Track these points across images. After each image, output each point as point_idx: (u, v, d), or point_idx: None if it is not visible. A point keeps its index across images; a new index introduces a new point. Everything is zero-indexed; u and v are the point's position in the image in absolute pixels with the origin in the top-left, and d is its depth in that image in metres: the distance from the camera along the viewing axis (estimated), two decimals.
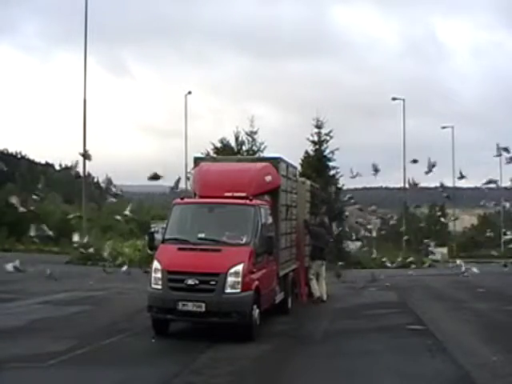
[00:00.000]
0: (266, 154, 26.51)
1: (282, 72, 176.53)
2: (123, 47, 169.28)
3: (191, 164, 14.27)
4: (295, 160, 13.99)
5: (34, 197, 26.38)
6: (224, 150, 28.32)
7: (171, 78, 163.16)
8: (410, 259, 28.14)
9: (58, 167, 75.43)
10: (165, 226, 10.77)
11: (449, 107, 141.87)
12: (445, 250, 44.74)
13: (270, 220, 11.23)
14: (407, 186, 30.21)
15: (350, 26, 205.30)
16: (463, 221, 69.58)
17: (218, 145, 29.60)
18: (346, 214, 32.01)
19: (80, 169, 35.11)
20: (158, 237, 10.68)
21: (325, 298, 14.77)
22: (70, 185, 59.62)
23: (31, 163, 69.01)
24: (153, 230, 15.91)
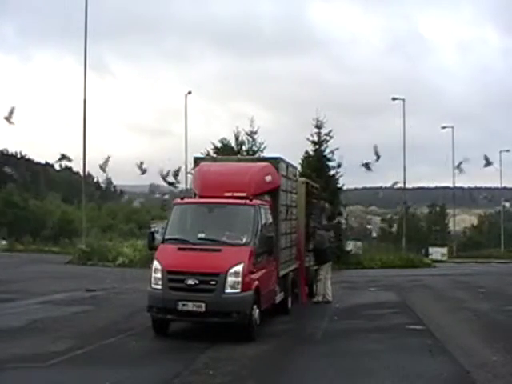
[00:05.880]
0: (266, 154, 26.48)
1: (265, 71, 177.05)
2: (103, 46, 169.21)
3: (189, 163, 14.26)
4: (291, 159, 13.97)
5: None
6: (224, 150, 28.28)
7: (153, 77, 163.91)
8: None
9: (57, 167, 75.53)
10: (165, 225, 10.77)
11: (439, 105, 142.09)
12: (445, 250, 44.74)
13: (270, 220, 11.21)
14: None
15: (331, 22, 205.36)
16: (463, 221, 69.61)
17: (218, 145, 29.57)
18: (346, 214, 32.09)
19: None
20: (158, 237, 10.68)
21: (330, 298, 14.77)
22: (70, 185, 59.74)
23: (31, 163, 69.09)
24: (153, 229, 15.91)
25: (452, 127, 45.23)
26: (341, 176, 30.34)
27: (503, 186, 54.71)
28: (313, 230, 15.47)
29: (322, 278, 14.80)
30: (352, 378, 7.56)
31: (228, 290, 9.31)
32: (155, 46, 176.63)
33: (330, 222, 19.41)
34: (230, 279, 9.33)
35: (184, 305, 9.35)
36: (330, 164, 30.16)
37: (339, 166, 30.26)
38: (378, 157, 31.94)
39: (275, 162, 12.08)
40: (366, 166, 33.43)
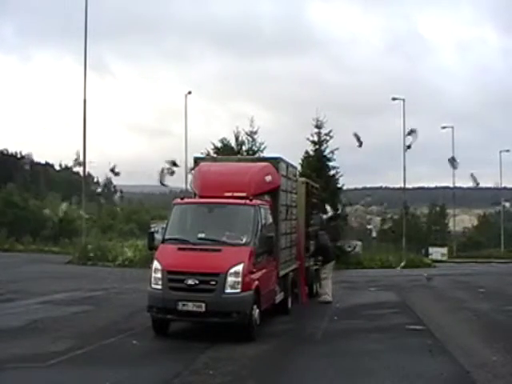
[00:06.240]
0: (266, 154, 26.48)
1: (265, 71, 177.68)
2: (103, 46, 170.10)
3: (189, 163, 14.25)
4: (291, 159, 13.98)
5: None
6: (224, 150, 28.29)
7: (153, 77, 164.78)
8: None
9: (57, 167, 75.60)
10: (164, 225, 10.77)
11: (439, 105, 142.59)
12: (445, 250, 44.76)
13: (270, 220, 11.22)
14: None
15: (331, 22, 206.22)
16: (463, 221, 69.60)
17: (219, 144, 29.57)
18: (346, 214, 32.09)
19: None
20: (158, 237, 10.68)
21: (330, 298, 14.76)
22: (70, 185, 59.75)
23: (31, 163, 69.07)
24: (153, 229, 15.92)
25: (452, 127, 45.35)
26: (341, 176, 30.42)
27: (503, 186, 54.82)
28: (314, 231, 15.46)
29: (326, 276, 14.85)
30: (352, 378, 7.56)
31: (228, 290, 9.31)
32: (155, 46, 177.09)
33: (332, 223, 19.51)
34: (230, 279, 9.32)
35: (184, 305, 9.35)
36: (331, 164, 30.21)
37: (360, 145, 31.28)
38: (409, 146, 32.97)
39: (275, 162, 12.07)
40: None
